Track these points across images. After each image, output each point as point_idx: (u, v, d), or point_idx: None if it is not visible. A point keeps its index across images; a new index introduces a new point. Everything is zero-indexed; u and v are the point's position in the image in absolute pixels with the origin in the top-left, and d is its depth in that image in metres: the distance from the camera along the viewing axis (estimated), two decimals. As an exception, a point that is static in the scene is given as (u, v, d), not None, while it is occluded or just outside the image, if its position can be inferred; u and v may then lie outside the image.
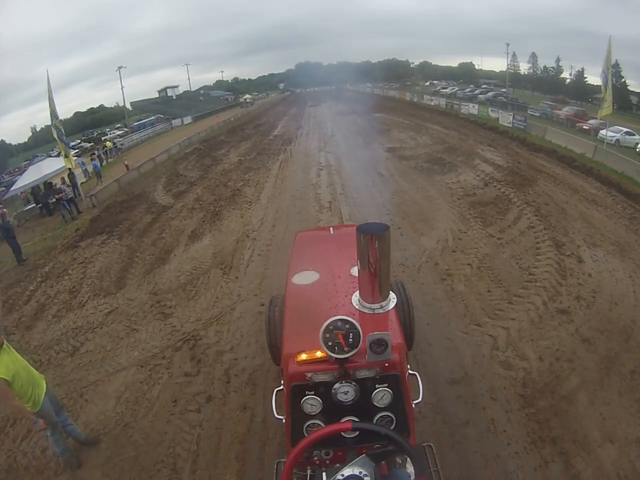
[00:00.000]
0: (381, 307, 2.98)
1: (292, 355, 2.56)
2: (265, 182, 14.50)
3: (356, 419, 2.46)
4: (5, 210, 13.55)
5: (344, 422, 2.39)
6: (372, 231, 2.76)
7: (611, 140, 17.32)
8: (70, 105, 38.65)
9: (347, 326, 2.40)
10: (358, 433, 2.42)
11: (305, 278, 3.72)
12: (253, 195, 13.09)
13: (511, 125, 21.64)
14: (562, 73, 36.24)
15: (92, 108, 43.06)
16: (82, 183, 17.77)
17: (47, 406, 3.84)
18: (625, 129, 18.69)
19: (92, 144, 33.17)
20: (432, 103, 33.64)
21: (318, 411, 2.51)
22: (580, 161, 14.20)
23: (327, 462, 2.54)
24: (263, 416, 4.47)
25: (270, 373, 5.03)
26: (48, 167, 17.32)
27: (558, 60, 36.10)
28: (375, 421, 2.51)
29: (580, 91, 32.48)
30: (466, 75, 42.33)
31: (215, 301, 7.05)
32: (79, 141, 35.67)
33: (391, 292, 3.07)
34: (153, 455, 4.25)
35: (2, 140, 35.04)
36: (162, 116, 40.95)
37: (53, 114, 15.12)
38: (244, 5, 52.04)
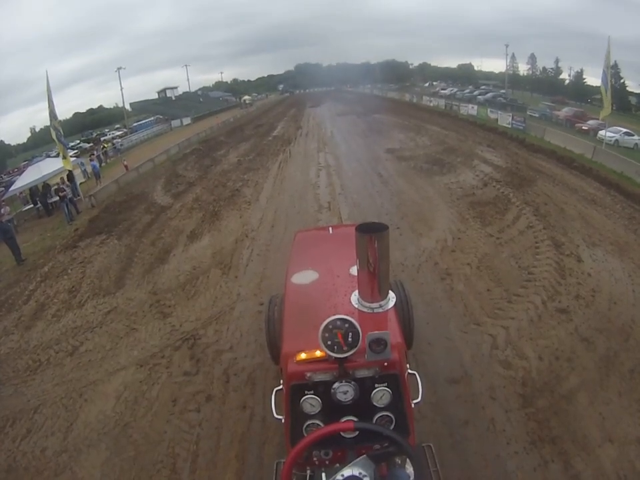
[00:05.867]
0: (380, 306, 2.97)
1: (291, 354, 2.56)
2: (264, 182, 14.50)
3: (355, 419, 2.46)
4: (7, 208, 13.55)
5: (345, 422, 2.39)
6: (371, 230, 2.76)
7: (610, 140, 17.33)
8: (69, 105, 38.56)
9: (346, 325, 2.40)
10: (357, 432, 2.42)
11: (304, 277, 3.72)
12: (252, 195, 13.09)
13: (509, 126, 21.64)
14: (561, 73, 36.33)
15: (91, 108, 43.03)
16: (81, 184, 17.72)
17: None
18: (624, 130, 18.72)
19: (91, 144, 33.11)
20: (431, 104, 33.63)
21: (317, 411, 2.51)
22: (579, 161, 14.21)
23: (327, 462, 2.53)
24: (263, 415, 4.46)
25: (269, 372, 5.02)
26: (47, 167, 17.30)
27: (557, 61, 36.19)
28: (374, 421, 2.51)
29: (579, 91, 32.54)
30: (465, 76, 42.34)
31: (214, 301, 7.05)
32: (78, 141, 35.59)
33: (390, 291, 3.07)
34: (152, 455, 4.24)
35: (1, 140, 35.01)
36: (161, 117, 40.90)
37: (52, 115, 15.09)
38: (243, 6, 51.94)
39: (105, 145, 27.61)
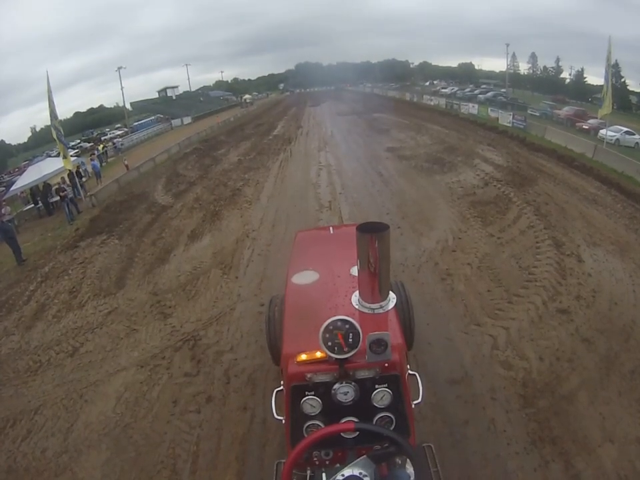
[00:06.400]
0: (381, 307, 2.97)
1: (292, 355, 2.56)
2: (265, 181, 14.50)
3: (355, 420, 2.46)
4: (7, 208, 13.59)
5: (345, 422, 2.39)
6: (372, 230, 2.76)
7: (611, 139, 17.32)
8: (70, 104, 38.46)
9: (347, 326, 2.40)
10: (358, 433, 2.42)
11: (304, 278, 3.72)
12: (253, 194, 13.08)
13: (510, 125, 21.64)
14: (562, 73, 36.26)
15: (92, 108, 42.93)
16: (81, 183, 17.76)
17: None
18: (625, 129, 18.70)
19: (92, 144, 33.08)
20: (432, 103, 33.63)
21: (318, 412, 2.51)
22: (580, 160, 14.19)
23: (327, 462, 2.53)
24: (263, 416, 4.46)
25: (270, 373, 5.02)
26: (47, 167, 17.32)
27: (557, 60, 36.10)
28: (374, 422, 2.51)
29: (580, 90, 32.47)
30: (465, 75, 42.27)
31: (215, 301, 7.05)
32: (79, 140, 35.58)
33: (390, 292, 3.07)
34: (152, 456, 4.25)
35: (2, 140, 34.99)
36: (162, 116, 40.87)
37: (53, 114, 15.10)
38: (243, 6, 51.83)
39: (105, 145, 27.60)
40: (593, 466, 3.71)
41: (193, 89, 47.99)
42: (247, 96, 48.63)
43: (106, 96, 42.49)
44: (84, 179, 17.34)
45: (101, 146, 27.47)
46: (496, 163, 14.14)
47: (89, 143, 34.36)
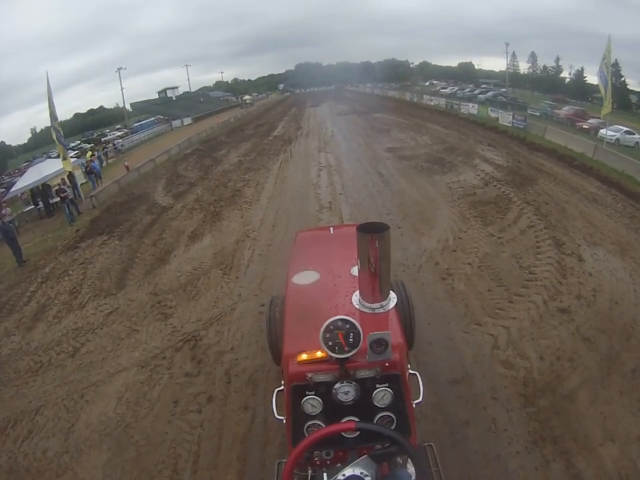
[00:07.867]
0: (381, 307, 2.97)
1: (292, 355, 2.56)
2: (265, 182, 14.50)
3: (356, 419, 2.46)
4: (8, 209, 13.62)
5: (346, 422, 2.39)
6: (372, 230, 2.76)
7: (611, 139, 17.29)
8: (70, 105, 38.49)
9: (347, 326, 2.40)
10: (359, 433, 2.42)
11: (305, 278, 3.72)
12: (253, 195, 13.09)
13: (510, 125, 21.61)
14: (561, 72, 36.27)
15: (92, 109, 42.97)
16: (82, 184, 17.73)
17: None
18: (625, 128, 18.68)
19: (92, 145, 33.09)
20: (432, 103, 33.61)
21: (318, 411, 2.50)
22: (580, 160, 14.17)
23: (328, 462, 2.53)
24: (264, 416, 4.46)
25: (271, 373, 5.02)
26: (47, 168, 17.32)
27: (557, 59, 36.11)
28: (375, 421, 2.51)
29: (580, 90, 32.47)
30: (465, 74, 42.26)
31: (216, 301, 7.05)
32: (79, 142, 35.62)
33: (391, 291, 3.07)
34: (153, 456, 4.25)
35: (2, 141, 35.01)
36: (162, 117, 40.91)
37: (53, 115, 15.09)
38: (243, 6, 51.88)
39: (106, 146, 27.62)
40: (593, 465, 3.70)
41: (192, 90, 48.08)
42: (246, 96, 48.67)
43: (106, 97, 42.57)
44: (79, 182, 17.24)
45: (100, 147, 27.48)
46: (496, 162, 14.13)
47: (89, 144, 34.38)
